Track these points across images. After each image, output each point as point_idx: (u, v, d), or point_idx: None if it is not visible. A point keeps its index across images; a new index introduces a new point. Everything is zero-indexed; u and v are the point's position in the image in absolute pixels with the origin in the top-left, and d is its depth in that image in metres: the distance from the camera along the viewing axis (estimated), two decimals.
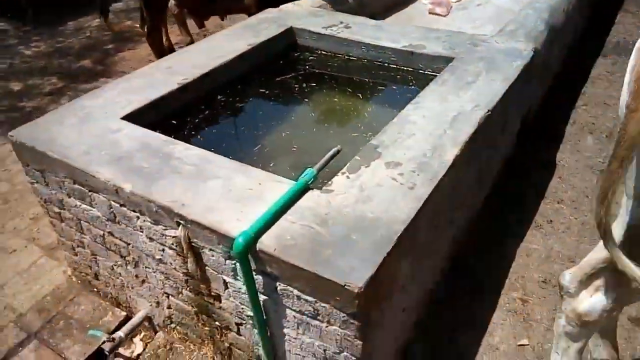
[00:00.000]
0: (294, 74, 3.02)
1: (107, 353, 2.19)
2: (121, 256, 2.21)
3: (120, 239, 2.12)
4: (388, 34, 3.04)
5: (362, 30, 3.10)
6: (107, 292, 2.52)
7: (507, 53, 2.71)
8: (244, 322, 1.91)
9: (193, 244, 1.79)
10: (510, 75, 2.48)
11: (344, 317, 1.53)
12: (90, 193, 2.05)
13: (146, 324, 2.38)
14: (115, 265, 2.30)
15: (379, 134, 2.08)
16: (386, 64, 2.97)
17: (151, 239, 1.96)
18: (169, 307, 2.23)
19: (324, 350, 1.70)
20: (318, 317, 1.61)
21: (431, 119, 2.15)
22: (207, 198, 1.77)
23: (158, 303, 2.26)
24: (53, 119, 2.30)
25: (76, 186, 2.08)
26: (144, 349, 2.32)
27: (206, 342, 2.21)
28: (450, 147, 1.98)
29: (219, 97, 2.74)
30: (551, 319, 2.29)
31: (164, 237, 1.89)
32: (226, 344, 2.11)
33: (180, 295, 2.09)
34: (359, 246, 1.54)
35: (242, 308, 1.86)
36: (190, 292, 2.03)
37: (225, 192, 1.79)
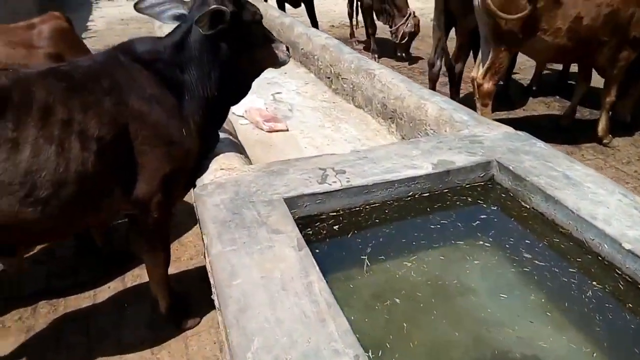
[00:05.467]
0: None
1: None
2: None
3: None
4: (393, 162, 2.47)
5: (362, 170, 2.41)
6: None
7: (508, 138, 2.70)
8: None
9: None
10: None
11: None
12: None
13: None
14: None
15: None
16: (417, 196, 2.43)
17: None
18: None
19: None
20: None
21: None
22: None
23: None
24: None
25: None
26: None
27: None
28: None
29: None
30: None
31: None
32: None
33: None
34: None
35: None
36: None
37: None
